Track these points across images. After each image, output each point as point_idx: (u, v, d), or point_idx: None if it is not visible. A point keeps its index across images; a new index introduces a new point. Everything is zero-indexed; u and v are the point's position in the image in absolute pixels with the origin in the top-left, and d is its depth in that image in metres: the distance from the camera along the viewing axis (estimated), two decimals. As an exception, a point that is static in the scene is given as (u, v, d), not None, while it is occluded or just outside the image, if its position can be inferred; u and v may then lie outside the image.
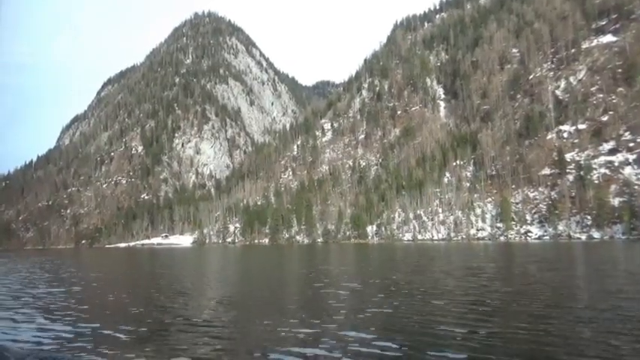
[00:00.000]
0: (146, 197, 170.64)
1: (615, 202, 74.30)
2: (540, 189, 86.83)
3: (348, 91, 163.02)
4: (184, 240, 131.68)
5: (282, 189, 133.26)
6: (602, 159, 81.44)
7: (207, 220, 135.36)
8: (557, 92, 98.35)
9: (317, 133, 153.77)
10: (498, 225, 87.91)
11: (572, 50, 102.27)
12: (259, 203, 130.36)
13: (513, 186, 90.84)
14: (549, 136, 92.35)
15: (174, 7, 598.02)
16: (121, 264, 39.95)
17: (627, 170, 77.44)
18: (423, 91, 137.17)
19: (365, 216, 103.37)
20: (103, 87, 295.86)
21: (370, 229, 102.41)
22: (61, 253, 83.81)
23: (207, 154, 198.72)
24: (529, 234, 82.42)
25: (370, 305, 10.57)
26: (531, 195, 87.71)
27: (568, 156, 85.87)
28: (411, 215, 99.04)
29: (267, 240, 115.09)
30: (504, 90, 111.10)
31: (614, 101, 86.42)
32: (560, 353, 6.37)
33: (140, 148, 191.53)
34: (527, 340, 6.93)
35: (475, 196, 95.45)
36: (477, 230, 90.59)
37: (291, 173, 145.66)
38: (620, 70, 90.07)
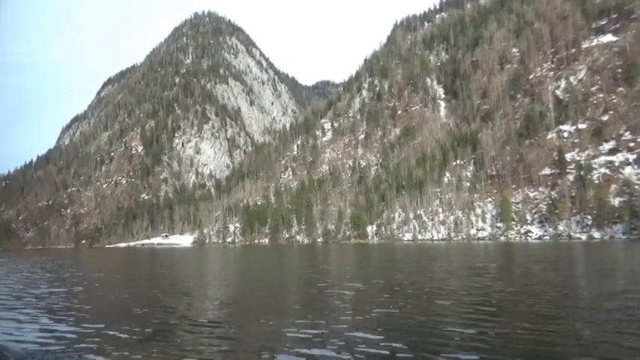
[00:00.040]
0: (146, 197, 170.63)
1: (615, 202, 74.29)
2: (540, 189, 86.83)
3: (348, 91, 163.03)
4: (184, 240, 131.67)
5: (282, 189, 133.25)
6: (603, 159, 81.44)
7: (207, 220, 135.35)
8: (558, 92, 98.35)
9: (317, 133, 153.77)
10: (498, 225, 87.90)
11: (573, 50, 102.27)
12: (259, 203, 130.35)
13: (513, 186, 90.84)
14: (549, 136, 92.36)
15: (174, 7, 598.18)
16: (121, 264, 39.94)
17: (627, 170, 77.45)
18: (423, 91, 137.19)
19: (365, 216, 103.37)
20: (103, 87, 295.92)
21: (370, 229, 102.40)
22: (61, 253, 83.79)
23: (207, 154, 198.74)
24: (529, 234, 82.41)
25: (376, 305, 10.53)
26: (531, 195, 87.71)
27: (568, 156, 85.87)
28: (411, 215, 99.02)
29: (267, 240, 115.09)
30: (504, 90, 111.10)
31: (614, 101, 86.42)
32: (570, 354, 6.35)
33: (140, 148, 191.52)
34: (537, 341, 6.88)
35: (475, 196, 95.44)
36: (477, 230, 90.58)
37: (291, 173, 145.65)
38: (620, 70, 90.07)
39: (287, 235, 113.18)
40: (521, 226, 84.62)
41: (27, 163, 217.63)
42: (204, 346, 7.22)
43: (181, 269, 28.33)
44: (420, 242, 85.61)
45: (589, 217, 76.49)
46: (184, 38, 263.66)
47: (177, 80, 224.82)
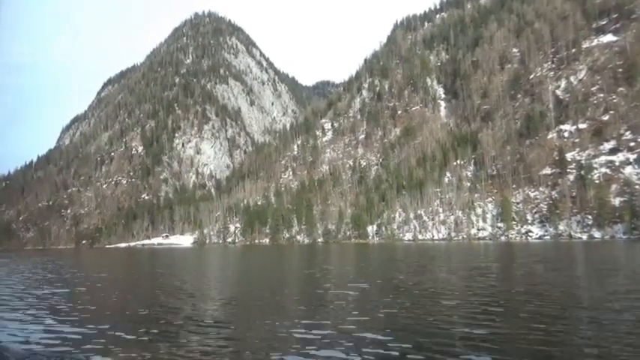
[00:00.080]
0: (146, 197, 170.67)
1: (616, 201, 74.35)
2: (541, 189, 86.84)
3: (349, 91, 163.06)
4: (185, 240, 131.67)
5: (283, 189, 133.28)
6: (603, 158, 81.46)
7: (208, 220, 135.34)
8: (558, 92, 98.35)
9: (317, 133, 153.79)
10: (499, 225, 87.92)
11: (573, 50, 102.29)
12: (259, 203, 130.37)
13: (514, 186, 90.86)
14: (550, 136, 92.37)
15: (174, 7, 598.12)
16: (122, 264, 39.94)
17: (628, 170, 77.48)
18: (424, 91, 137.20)
19: (365, 216, 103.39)
20: (103, 87, 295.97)
21: (371, 229, 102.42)
22: (62, 253, 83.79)
23: (207, 154, 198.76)
24: (530, 234, 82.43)
25: (382, 306, 10.47)
26: (532, 195, 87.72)
27: (569, 155, 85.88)
28: (412, 215, 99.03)
29: (267, 240, 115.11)
30: (505, 90, 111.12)
31: (614, 101, 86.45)
32: (578, 355, 6.33)
33: (140, 148, 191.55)
34: (545, 341, 6.84)
35: (476, 195, 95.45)
36: (478, 230, 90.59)
37: (291, 173, 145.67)
38: (620, 70, 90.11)
39: (287, 235, 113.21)
40: (522, 226, 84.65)
41: (27, 163, 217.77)
42: (211, 347, 7.17)
43: (182, 269, 28.35)
44: (420, 242, 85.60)
45: (589, 216, 76.52)
46: (184, 38, 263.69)
47: (177, 80, 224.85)
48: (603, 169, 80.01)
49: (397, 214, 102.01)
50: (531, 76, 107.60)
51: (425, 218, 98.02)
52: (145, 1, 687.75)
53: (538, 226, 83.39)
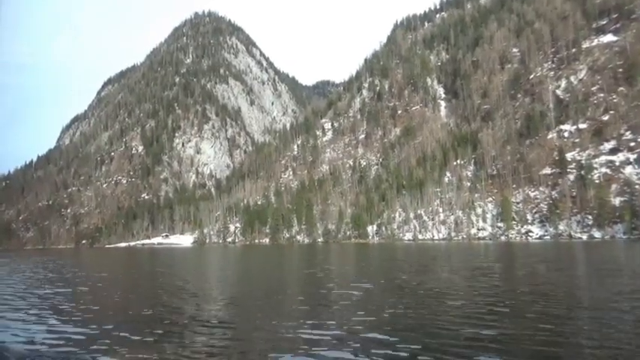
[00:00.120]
0: (146, 197, 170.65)
1: (616, 201, 74.29)
2: (541, 188, 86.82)
3: (349, 91, 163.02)
4: (185, 240, 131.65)
5: (283, 189, 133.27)
6: (603, 158, 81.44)
7: (208, 220, 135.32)
8: (558, 92, 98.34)
9: (317, 133, 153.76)
10: (499, 225, 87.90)
11: (573, 50, 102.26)
12: (260, 203, 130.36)
13: (514, 185, 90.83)
14: (550, 136, 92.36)
15: (174, 7, 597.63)
16: (122, 264, 39.95)
17: (628, 170, 77.45)
18: (424, 91, 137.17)
19: (365, 216, 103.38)
20: (103, 87, 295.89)
21: (371, 229, 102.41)
22: (62, 253, 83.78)
23: (207, 154, 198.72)
24: (530, 234, 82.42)
25: (387, 306, 10.45)
26: (532, 194, 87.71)
27: (569, 155, 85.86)
28: (412, 215, 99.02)
29: (267, 240, 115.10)
30: (505, 89, 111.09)
31: (614, 101, 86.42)
32: (587, 355, 6.31)
33: (140, 148, 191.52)
34: (553, 342, 6.81)
35: (476, 195, 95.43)
36: (478, 230, 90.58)
37: (291, 173, 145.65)
38: (620, 70, 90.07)
39: (287, 235, 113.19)
40: (522, 226, 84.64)
41: (27, 163, 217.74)
42: (217, 347, 7.15)
43: (183, 269, 28.35)
44: (420, 242, 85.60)
45: (590, 216, 76.48)
46: (184, 38, 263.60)
47: (177, 80, 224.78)
48: (603, 169, 79.99)
49: (397, 214, 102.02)
50: (531, 76, 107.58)
51: (425, 218, 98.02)
52: (145, 1, 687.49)
53: (538, 226, 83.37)
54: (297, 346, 7.01)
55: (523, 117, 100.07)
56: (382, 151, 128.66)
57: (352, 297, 12.32)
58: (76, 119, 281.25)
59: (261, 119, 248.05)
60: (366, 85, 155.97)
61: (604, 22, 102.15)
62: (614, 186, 76.63)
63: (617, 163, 79.45)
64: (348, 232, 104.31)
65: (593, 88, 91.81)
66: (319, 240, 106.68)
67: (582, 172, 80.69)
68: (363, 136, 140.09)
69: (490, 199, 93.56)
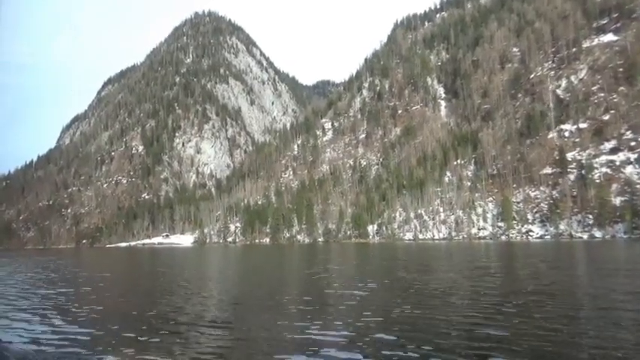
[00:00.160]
0: (147, 197, 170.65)
1: (617, 201, 74.26)
2: (541, 188, 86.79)
3: (349, 91, 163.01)
4: (185, 240, 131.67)
5: (283, 188, 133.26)
6: (604, 158, 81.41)
7: (208, 220, 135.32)
8: (558, 91, 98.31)
9: (317, 133, 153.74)
10: (499, 224, 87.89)
11: (573, 49, 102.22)
12: (260, 203, 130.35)
13: (514, 185, 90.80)
14: (550, 136, 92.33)
15: (175, 6, 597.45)
16: (124, 264, 39.95)
17: (629, 169, 77.43)
18: (424, 91, 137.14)
19: (366, 215, 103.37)
20: (103, 86, 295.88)
21: (371, 229, 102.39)
22: (63, 252, 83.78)
23: (207, 154, 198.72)
24: (530, 233, 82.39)
25: (393, 306, 10.37)
26: (532, 194, 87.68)
27: (569, 155, 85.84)
28: (412, 215, 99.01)
29: (267, 239, 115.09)
30: (505, 89, 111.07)
31: (615, 100, 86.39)
32: (602, 357, 6.26)
33: (141, 148, 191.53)
34: (567, 343, 6.76)
35: (476, 195, 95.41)
36: (478, 229, 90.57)
37: (291, 173, 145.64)
38: (621, 69, 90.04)
39: (288, 235, 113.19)
40: (522, 226, 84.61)
41: (27, 163, 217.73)
42: (223, 349, 7.10)
43: (185, 269, 28.32)
44: (421, 242, 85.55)
45: (590, 216, 76.45)
46: (185, 38, 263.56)
47: (177, 80, 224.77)
48: (604, 169, 79.96)
49: (397, 214, 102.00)
50: (532, 76, 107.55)
51: (425, 218, 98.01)
52: (145, 1, 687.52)
53: (539, 226, 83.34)
54: (306, 347, 6.91)
55: (523, 117, 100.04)
56: (382, 150, 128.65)
57: (357, 297, 12.24)
58: (77, 119, 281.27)
59: (262, 119, 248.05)
60: (367, 84, 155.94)
61: (604, 22, 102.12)
62: (614, 186, 76.61)
63: (618, 163, 79.43)
64: (348, 232, 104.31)
65: (594, 88, 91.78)
66: (320, 240, 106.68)
67: (583, 172, 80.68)
68: (363, 135, 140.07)
69: (490, 198, 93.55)
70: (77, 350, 7.11)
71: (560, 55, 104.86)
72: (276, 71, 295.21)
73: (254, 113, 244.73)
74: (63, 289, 16.63)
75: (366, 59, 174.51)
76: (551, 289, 13.20)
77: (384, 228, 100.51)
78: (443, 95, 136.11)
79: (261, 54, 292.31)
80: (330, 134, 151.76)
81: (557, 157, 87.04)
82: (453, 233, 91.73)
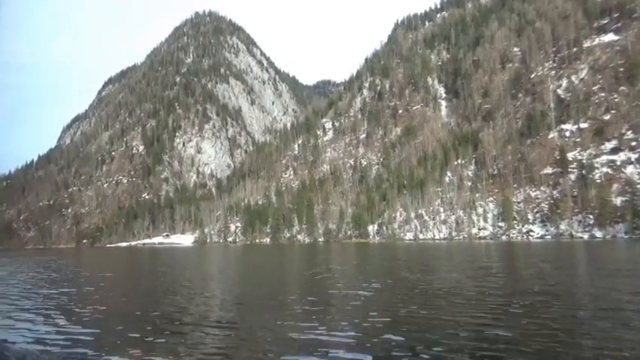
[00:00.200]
0: (147, 197, 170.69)
1: (617, 201, 74.15)
2: (542, 188, 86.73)
3: (349, 91, 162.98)
4: (185, 239, 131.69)
5: (283, 188, 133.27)
6: (605, 158, 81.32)
7: (209, 220, 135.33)
8: (559, 91, 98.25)
9: (318, 133, 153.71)
10: (500, 224, 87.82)
11: (574, 49, 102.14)
12: (260, 202, 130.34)
13: (515, 185, 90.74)
14: (551, 135, 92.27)
15: (175, 6, 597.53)
16: (125, 264, 39.96)
17: (629, 169, 77.33)
18: (425, 90, 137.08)
19: (366, 215, 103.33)
20: (103, 86, 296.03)
21: (371, 229, 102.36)
22: (63, 252, 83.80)
23: (208, 154, 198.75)
24: (531, 233, 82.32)
25: (399, 306, 10.32)
26: (533, 194, 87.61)
27: (570, 155, 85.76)
28: (413, 214, 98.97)
29: (268, 239, 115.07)
30: (506, 89, 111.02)
31: (616, 100, 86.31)
32: (615, 358, 6.23)
33: (141, 148, 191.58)
34: (578, 345, 6.72)
35: (477, 195, 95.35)
36: (479, 230, 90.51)
37: (292, 172, 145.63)
38: (622, 69, 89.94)
39: (288, 235, 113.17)
40: (523, 226, 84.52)
41: (28, 162, 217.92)
42: (228, 349, 7.07)
43: (186, 269, 28.29)
44: (421, 242, 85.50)
45: (591, 216, 76.36)
46: (185, 38, 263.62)
47: (178, 80, 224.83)
48: (604, 169, 79.88)
49: (398, 214, 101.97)
50: (532, 76, 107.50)
51: (426, 218, 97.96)
52: (145, 1, 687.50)
53: (539, 226, 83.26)
54: (314, 348, 6.86)
55: (524, 116, 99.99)
56: (383, 150, 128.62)
57: (362, 297, 12.19)
58: (77, 119, 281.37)
59: (262, 119, 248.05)
60: (367, 84, 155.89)
61: (605, 22, 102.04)
62: (615, 186, 76.52)
63: (619, 163, 79.34)
64: (348, 232, 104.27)
65: (595, 88, 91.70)
66: (320, 240, 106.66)
67: (583, 172, 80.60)
68: (363, 135, 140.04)
69: (491, 198, 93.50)
70: (83, 350, 7.09)
71: (561, 54, 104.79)
72: (277, 71, 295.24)
73: (254, 113, 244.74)
74: (65, 288, 16.63)
75: (366, 59, 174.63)
76: (556, 290, 13.17)
77: (384, 228, 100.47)
78: (443, 95, 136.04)
79: (262, 54, 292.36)
80: (330, 134, 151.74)
81: (557, 157, 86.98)
82: (454, 233, 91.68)
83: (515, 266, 23.72)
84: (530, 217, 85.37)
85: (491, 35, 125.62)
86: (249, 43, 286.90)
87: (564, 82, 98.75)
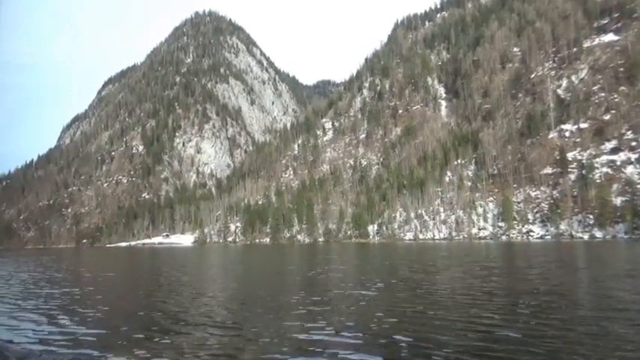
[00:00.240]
0: (147, 196, 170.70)
1: (617, 201, 74.25)
2: (542, 188, 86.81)
3: (349, 90, 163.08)
4: (185, 239, 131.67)
5: (283, 188, 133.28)
6: (604, 158, 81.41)
7: (208, 220, 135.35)
8: (559, 91, 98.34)
9: (318, 133, 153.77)
10: (500, 224, 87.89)
11: (574, 49, 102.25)
12: (260, 202, 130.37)
13: (515, 185, 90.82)
14: (551, 135, 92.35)
15: (175, 6, 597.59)
16: (125, 263, 39.92)
17: (629, 169, 77.42)
18: (424, 90, 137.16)
19: (366, 215, 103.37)
20: (103, 86, 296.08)
21: (371, 229, 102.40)
22: (63, 252, 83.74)
23: (207, 154, 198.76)
24: (531, 233, 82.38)
25: (405, 307, 10.22)
26: (533, 194, 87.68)
27: (570, 155, 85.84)
28: (413, 214, 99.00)
29: (268, 239, 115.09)
30: (506, 89, 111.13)
31: (616, 100, 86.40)
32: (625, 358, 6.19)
33: (141, 148, 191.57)
34: (590, 346, 6.64)
35: (477, 195, 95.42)
36: (479, 229, 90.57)
37: (292, 172, 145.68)
38: (622, 69, 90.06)
39: (288, 235, 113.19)
40: (523, 226, 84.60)
41: (27, 162, 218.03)
42: (233, 350, 7.02)
43: (187, 269, 28.25)
44: (421, 242, 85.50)
45: (591, 216, 76.44)
46: (185, 37, 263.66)
47: (177, 79, 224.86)
48: (604, 169, 79.96)
49: (398, 214, 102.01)
50: (532, 76, 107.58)
51: (426, 218, 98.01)
52: (145, 1, 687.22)
53: (539, 226, 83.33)
54: (322, 349, 6.79)
55: (524, 116, 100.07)
56: (383, 150, 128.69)
57: (367, 297, 12.12)
58: (77, 119, 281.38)
59: (262, 119, 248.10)
60: (367, 84, 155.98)
61: (605, 22, 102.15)
62: (615, 186, 76.60)
63: (619, 163, 79.43)
64: (348, 232, 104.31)
65: (595, 88, 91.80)
66: (320, 240, 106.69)
67: (583, 172, 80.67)
68: (363, 135, 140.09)
69: (491, 198, 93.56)
70: (89, 351, 7.05)
71: (561, 54, 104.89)
72: (277, 71, 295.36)
73: (254, 113, 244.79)
74: (67, 288, 16.60)
75: (366, 59, 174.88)
76: (561, 290, 13.11)
77: (384, 228, 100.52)
78: (443, 95, 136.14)
79: (262, 54, 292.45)
80: (330, 134, 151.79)
81: (557, 157, 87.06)
82: (454, 233, 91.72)
83: (518, 266, 23.67)
84: (530, 217, 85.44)
85: (492, 35, 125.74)
86: (249, 43, 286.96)
87: (564, 82, 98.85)
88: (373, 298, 12.12)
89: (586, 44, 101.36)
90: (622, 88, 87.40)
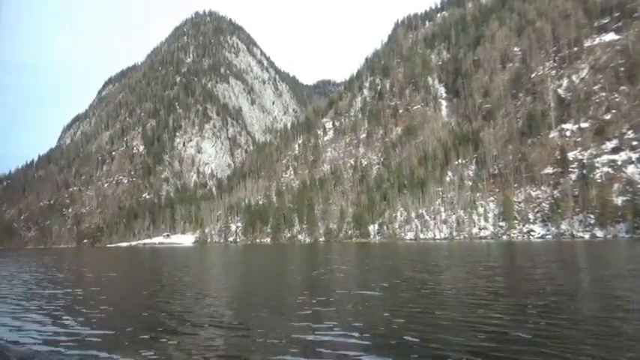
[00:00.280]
0: (147, 196, 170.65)
1: (618, 200, 74.21)
2: (543, 188, 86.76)
3: (350, 90, 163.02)
4: (186, 239, 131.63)
5: (284, 188, 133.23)
6: (605, 157, 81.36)
7: (209, 220, 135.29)
8: (560, 91, 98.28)
9: (318, 132, 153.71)
10: (501, 224, 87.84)
11: (575, 49, 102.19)
12: (261, 202, 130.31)
13: (516, 185, 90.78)
14: (552, 135, 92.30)
15: (175, 6, 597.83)
16: (126, 263, 39.88)
17: (630, 169, 77.38)
18: (425, 90, 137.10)
19: (367, 215, 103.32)
20: (104, 86, 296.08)
21: (372, 228, 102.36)
22: (64, 252, 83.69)
23: (208, 154, 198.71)
24: (532, 233, 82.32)
25: (411, 307, 10.17)
26: (534, 194, 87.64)
27: (571, 155, 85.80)
28: (413, 214, 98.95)
29: (268, 239, 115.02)
30: (506, 89, 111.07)
31: (616, 100, 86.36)
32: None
33: (141, 148, 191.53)
34: (602, 347, 6.59)
35: (477, 195, 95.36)
36: (480, 229, 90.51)
37: (292, 172, 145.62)
38: (622, 69, 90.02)
39: (289, 235, 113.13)
40: (524, 225, 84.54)
41: (28, 162, 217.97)
42: (242, 351, 6.96)
43: (189, 269, 28.22)
44: (422, 241, 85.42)
45: (592, 216, 76.40)
46: (185, 37, 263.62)
47: (178, 79, 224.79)
48: (605, 168, 79.91)
49: (399, 214, 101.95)
50: (533, 75, 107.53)
51: (426, 217, 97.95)
52: (145, 1, 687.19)
53: (540, 226, 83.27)
54: (331, 350, 6.74)
55: (524, 116, 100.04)
56: (383, 150, 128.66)
57: (372, 297, 12.09)
58: (77, 119, 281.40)
59: (262, 119, 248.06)
60: (367, 84, 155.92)
61: (606, 21, 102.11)
62: (616, 185, 76.55)
63: (619, 163, 79.38)
64: (349, 232, 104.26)
65: (595, 87, 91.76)
66: (321, 239, 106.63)
67: (584, 172, 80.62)
68: (364, 135, 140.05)
69: (492, 198, 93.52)
70: (95, 352, 7.01)
71: (562, 54, 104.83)
72: (277, 71, 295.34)
73: (255, 113, 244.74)
74: (70, 289, 16.57)
75: (366, 59, 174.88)
76: (567, 290, 13.07)
77: (385, 228, 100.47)
78: (444, 95, 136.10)
79: (262, 53, 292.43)
80: (330, 134, 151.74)
81: (558, 157, 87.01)
82: (454, 233, 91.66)
83: (521, 266, 23.61)
84: (530, 216, 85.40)
85: (492, 35, 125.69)
86: (249, 42, 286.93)
87: (565, 82, 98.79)
88: (378, 298, 12.06)
89: (586, 44, 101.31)
90: (623, 87, 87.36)
